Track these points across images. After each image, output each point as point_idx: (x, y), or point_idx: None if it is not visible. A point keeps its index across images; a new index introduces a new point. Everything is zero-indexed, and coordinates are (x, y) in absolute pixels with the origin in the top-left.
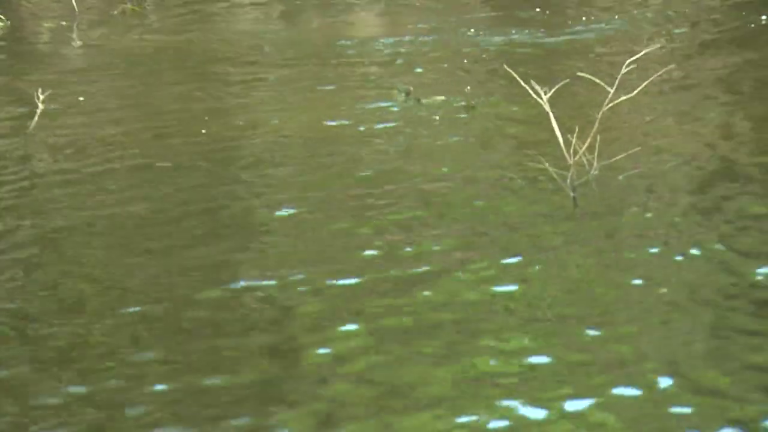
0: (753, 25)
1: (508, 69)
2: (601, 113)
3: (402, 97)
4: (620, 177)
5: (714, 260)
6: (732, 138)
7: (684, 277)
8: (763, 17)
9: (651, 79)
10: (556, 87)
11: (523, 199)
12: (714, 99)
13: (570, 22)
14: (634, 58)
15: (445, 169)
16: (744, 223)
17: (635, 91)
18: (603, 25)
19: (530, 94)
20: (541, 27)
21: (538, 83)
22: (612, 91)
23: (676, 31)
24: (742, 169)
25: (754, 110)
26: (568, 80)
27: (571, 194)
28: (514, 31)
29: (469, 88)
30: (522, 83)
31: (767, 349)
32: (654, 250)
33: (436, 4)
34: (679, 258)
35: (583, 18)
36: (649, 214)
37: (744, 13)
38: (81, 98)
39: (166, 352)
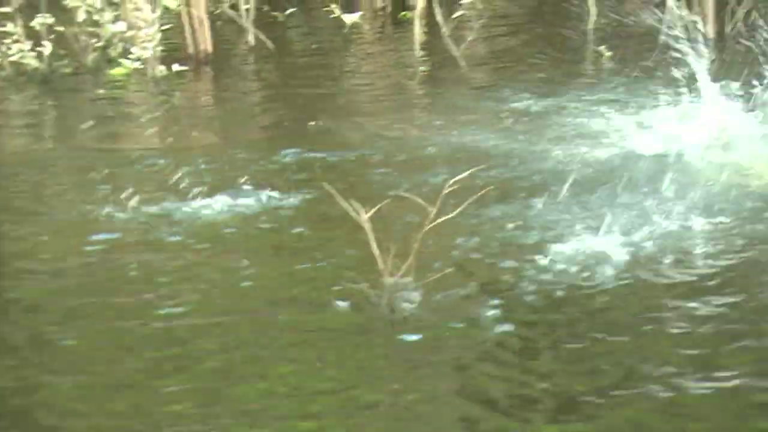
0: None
1: (327, 187)
2: (422, 233)
3: None
4: (438, 297)
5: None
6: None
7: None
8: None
9: (472, 199)
10: (377, 207)
11: (340, 321)
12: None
13: (356, 137)
14: (456, 178)
15: (252, 290)
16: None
17: (456, 212)
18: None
19: (348, 212)
20: (327, 143)
21: (356, 200)
22: (434, 210)
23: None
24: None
25: None
26: (388, 200)
27: (388, 315)
28: (303, 147)
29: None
30: (341, 201)
31: None
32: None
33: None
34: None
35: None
36: (463, 334)
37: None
38: None
39: None
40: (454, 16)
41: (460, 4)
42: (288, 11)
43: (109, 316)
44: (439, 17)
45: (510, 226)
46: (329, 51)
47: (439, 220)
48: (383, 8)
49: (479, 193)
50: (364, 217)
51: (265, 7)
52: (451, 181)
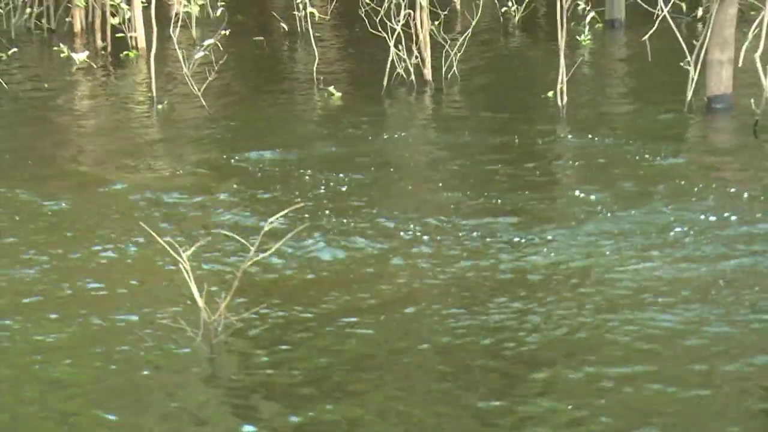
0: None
1: (144, 226)
2: (241, 271)
3: None
4: (255, 331)
5: None
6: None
7: None
8: None
9: (285, 239)
10: (197, 245)
11: (160, 360)
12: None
13: None
14: (275, 217)
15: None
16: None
17: (275, 248)
18: None
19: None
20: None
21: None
22: (254, 249)
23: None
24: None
25: None
26: (209, 238)
27: (209, 353)
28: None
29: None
30: (159, 240)
31: None
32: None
33: None
34: None
35: None
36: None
37: None
38: None
39: None
40: (197, 56)
41: (201, 45)
42: (11, 50)
43: None
44: (180, 55)
45: None
46: (61, 90)
47: (258, 258)
48: (104, 48)
49: (296, 230)
50: (184, 256)
51: None
52: (271, 219)
